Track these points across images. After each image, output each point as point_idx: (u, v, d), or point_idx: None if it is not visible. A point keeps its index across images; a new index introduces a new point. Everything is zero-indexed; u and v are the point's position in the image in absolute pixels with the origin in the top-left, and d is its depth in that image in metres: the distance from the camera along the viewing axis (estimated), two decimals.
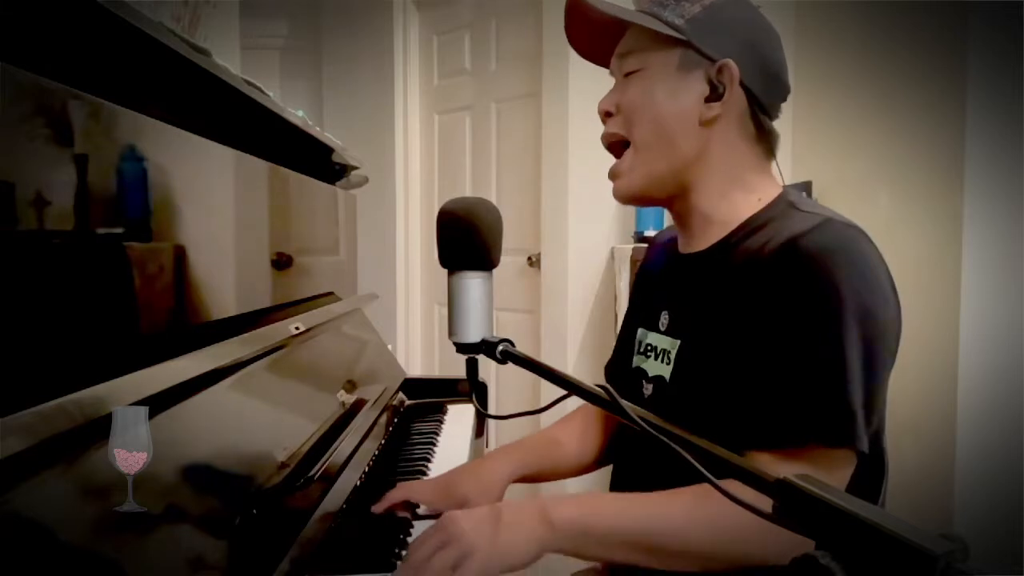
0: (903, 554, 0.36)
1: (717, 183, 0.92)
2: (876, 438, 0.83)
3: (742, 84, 0.89)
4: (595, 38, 0.97)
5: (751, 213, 0.91)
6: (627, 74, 0.93)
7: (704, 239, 0.94)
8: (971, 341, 1.85)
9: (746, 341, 0.83)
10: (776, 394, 0.80)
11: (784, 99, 0.95)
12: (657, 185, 0.93)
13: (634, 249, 2.29)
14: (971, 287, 1.85)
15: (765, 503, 0.45)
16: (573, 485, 2.53)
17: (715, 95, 0.89)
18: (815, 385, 0.78)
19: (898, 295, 0.86)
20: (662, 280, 1.03)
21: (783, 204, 0.90)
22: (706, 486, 0.77)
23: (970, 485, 1.86)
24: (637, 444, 0.99)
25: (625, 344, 1.09)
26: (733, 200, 0.92)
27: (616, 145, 0.95)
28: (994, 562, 1.74)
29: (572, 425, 1.16)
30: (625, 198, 0.97)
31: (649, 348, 0.99)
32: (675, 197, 0.95)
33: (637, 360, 1.02)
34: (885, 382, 0.84)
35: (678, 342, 0.93)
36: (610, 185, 0.97)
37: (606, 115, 0.95)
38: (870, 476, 0.85)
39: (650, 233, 2.30)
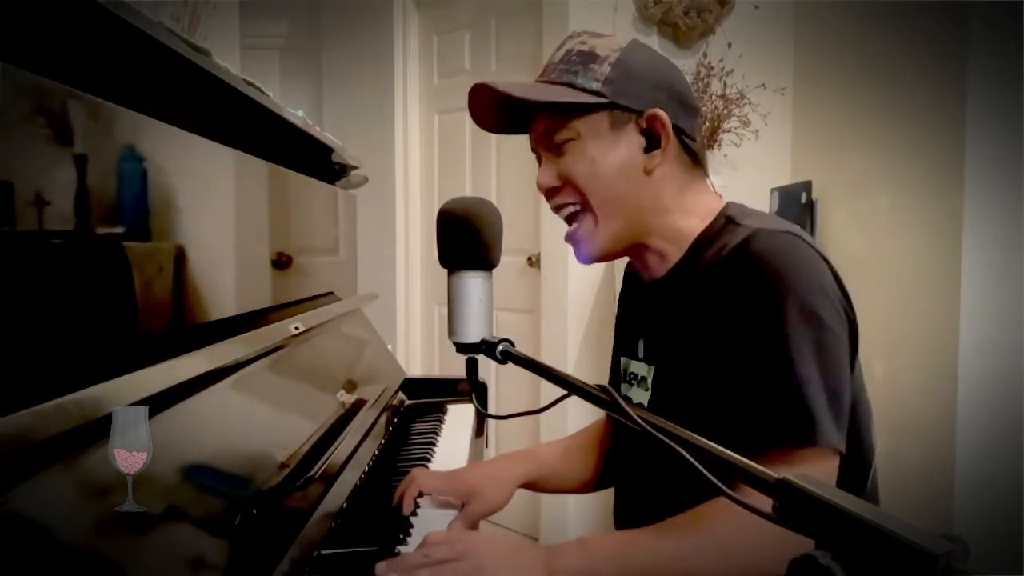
0: (903, 554, 0.36)
1: (669, 220, 0.94)
2: (855, 435, 0.84)
3: (673, 125, 0.90)
4: (504, 116, 0.95)
5: (696, 233, 0.93)
6: (559, 145, 0.92)
7: (661, 267, 0.97)
8: (971, 341, 1.85)
9: (707, 358, 0.85)
10: (737, 402, 0.81)
11: (698, 115, 0.97)
12: (620, 241, 0.94)
13: None
14: (971, 287, 1.85)
15: (766, 506, 0.45)
16: (574, 502, 2.54)
17: (653, 144, 0.91)
18: (768, 388, 0.80)
19: (845, 288, 0.87)
20: (636, 308, 1.06)
21: (722, 220, 0.92)
22: (703, 509, 0.78)
23: (970, 485, 1.86)
24: (636, 467, 1.00)
25: (614, 374, 1.11)
26: (681, 226, 0.94)
27: (570, 214, 0.95)
28: (994, 562, 1.74)
29: (580, 442, 1.18)
30: (590, 260, 0.97)
31: (632, 376, 1.02)
32: (633, 246, 0.96)
33: (624, 389, 1.04)
34: (848, 377, 0.84)
35: (653, 368, 0.96)
36: None
37: (550, 191, 0.94)
38: (852, 473, 0.86)
39: None
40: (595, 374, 2.51)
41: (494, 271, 0.81)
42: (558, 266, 2.60)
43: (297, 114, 1.25)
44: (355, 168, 1.64)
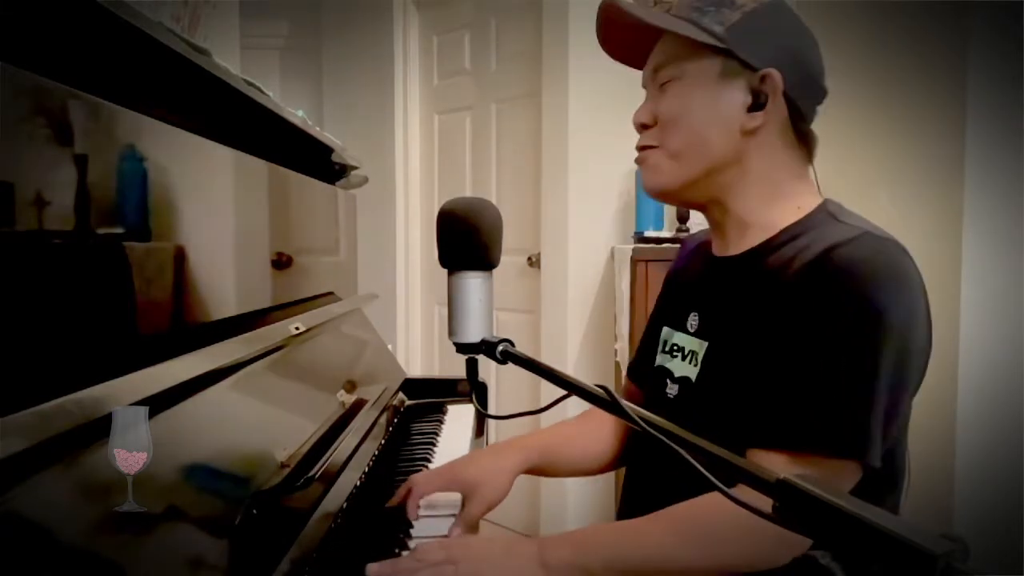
0: (903, 554, 0.36)
1: (756, 190, 0.91)
2: (891, 453, 0.83)
3: (784, 92, 0.87)
4: (628, 42, 0.94)
5: (790, 221, 0.89)
6: (663, 84, 0.91)
7: (740, 244, 0.93)
8: (971, 341, 1.85)
9: (776, 346, 0.82)
10: (797, 395, 0.79)
11: (821, 102, 0.93)
12: (690, 188, 0.92)
13: (634, 249, 2.29)
14: (971, 287, 1.85)
15: (765, 505, 0.45)
16: (573, 485, 2.54)
17: (757, 104, 0.87)
18: (838, 395, 0.78)
19: (930, 314, 0.85)
20: (693, 281, 1.02)
21: (823, 214, 0.89)
22: (698, 501, 0.78)
23: (970, 485, 1.86)
24: (650, 447, 0.99)
25: (649, 343, 1.07)
26: (772, 207, 0.91)
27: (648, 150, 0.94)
28: (994, 562, 1.74)
29: (591, 424, 1.14)
30: (656, 193, 0.95)
31: (675, 348, 0.98)
32: (711, 201, 0.94)
33: (661, 359, 1.01)
34: (908, 401, 0.83)
35: (706, 344, 0.93)
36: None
37: (642, 127, 0.93)
38: (881, 488, 0.85)
39: (650, 233, 2.30)
40: (595, 374, 2.52)
41: (494, 271, 0.81)
42: (558, 266, 2.60)
43: (297, 114, 1.25)
44: (355, 168, 1.64)
